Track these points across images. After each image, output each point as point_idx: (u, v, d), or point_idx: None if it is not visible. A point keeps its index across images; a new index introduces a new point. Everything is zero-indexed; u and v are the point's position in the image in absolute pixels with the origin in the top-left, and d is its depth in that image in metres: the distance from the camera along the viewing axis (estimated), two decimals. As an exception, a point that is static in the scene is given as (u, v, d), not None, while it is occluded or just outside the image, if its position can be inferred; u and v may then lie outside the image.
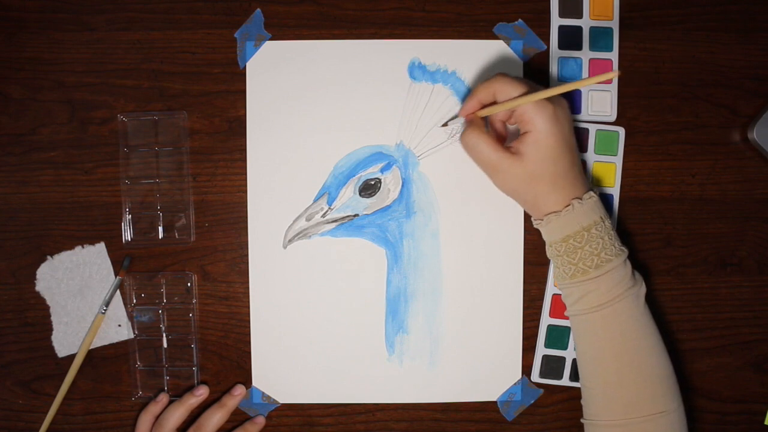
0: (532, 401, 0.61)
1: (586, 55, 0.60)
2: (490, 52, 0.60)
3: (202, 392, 0.59)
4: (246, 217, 0.60)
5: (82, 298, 0.60)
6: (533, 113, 0.50)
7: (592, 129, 0.59)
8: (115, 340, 0.60)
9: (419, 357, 0.60)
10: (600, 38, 0.60)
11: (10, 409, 0.60)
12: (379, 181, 0.60)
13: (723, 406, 0.61)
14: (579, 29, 0.60)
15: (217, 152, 0.60)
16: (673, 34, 0.60)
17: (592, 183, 0.58)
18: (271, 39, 0.60)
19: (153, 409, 0.59)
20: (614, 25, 0.60)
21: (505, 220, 0.60)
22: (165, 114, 0.60)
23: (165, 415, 0.58)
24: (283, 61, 0.60)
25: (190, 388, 0.60)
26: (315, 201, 0.60)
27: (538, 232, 0.60)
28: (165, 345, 0.60)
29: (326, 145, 0.60)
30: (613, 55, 0.60)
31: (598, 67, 0.60)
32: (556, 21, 0.60)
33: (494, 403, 0.60)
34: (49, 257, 0.60)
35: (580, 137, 0.59)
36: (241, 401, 0.60)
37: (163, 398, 0.59)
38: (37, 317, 0.60)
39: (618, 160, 0.60)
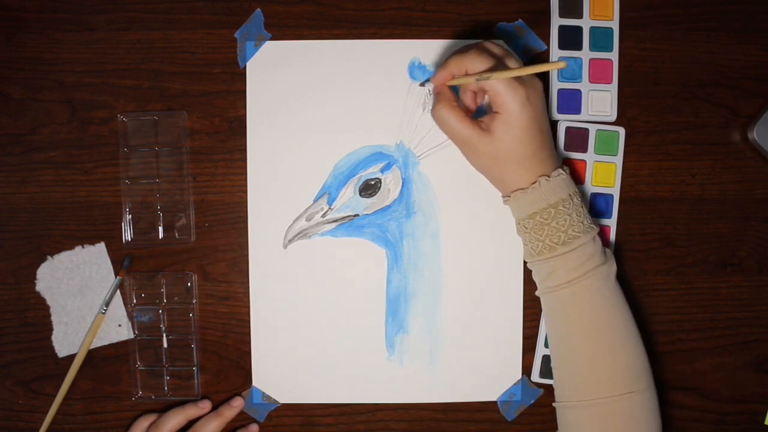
0: (532, 401, 0.61)
1: (586, 55, 0.60)
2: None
3: (205, 406, 0.59)
4: (246, 217, 0.60)
5: (82, 298, 0.60)
6: (505, 95, 0.50)
7: (592, 129, 0.59)
8: (115, 340, 0.60)
9: (419, 357, 0.60)
10: (600, 38, 0.60)
11: (10, 409, 0.60)
12: (379, 181, 0.60)
13: (723, 406, 0.61)
14: (579, 29, 0.60)
15: (217, 152, 0.60)
16: (673, 34, 0.60)
17: (561, 161, 0.56)
18: (271, 39, 0.60)
19: (152, 415, 0.59)
20: (614, 25, 0.60)
21: (505, 220, 0.60)
22: (165, 114, 0.60)
23: (163, 419, 0.58)
24: (283, 61, 0.60)
25: (190, 389, 0.60)
26: (315, 201, 0.60)
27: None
28: (165, 345, 0.60)
29: (326, 145, 0.60)
30: (613, 55, 0.60)
31: (598, 67, 0.60)
32: (556, 21, 0.60)
33: (494, 403, 0.60)
34: (49, 257, 0.60)
35: (580, 137, 0.59)
36: (237, 413, 0.59)
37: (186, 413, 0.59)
38: (37, 317, 0.60)
39: (618, 160, 0.60)
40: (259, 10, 0.60)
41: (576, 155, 0.60)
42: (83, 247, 0.60)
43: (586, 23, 0.60)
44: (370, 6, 0.60)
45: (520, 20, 0.60)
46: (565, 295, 0.52)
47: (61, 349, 0.60)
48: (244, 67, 0.60)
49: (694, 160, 0.61)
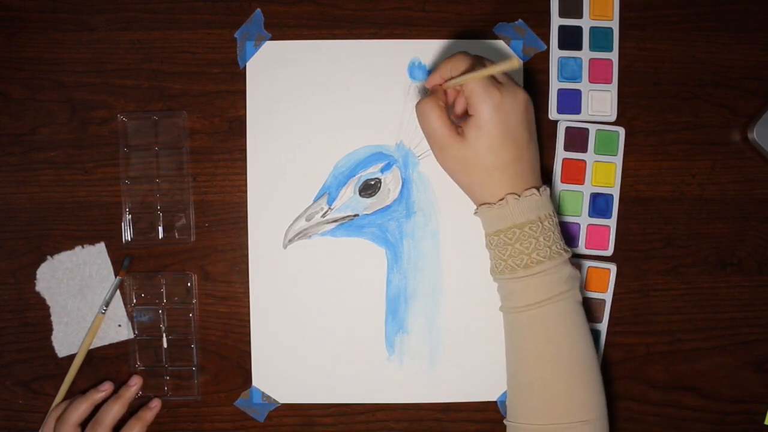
0: (532, 401, 0.61)
1: (586, 55, 0.60)
2: (490, 52, 0.60)
3: (106, 387, 0.59)
4: (246, 217, 0.60)
5: (82, 298, 0.60)
6: (478, 98, 0.49)
7: (592, 129, 0.59)
8: (115, 340, 0.60)
9: (419, 357, 0.60)
10: (600, 38, 0.60)
11: (10, 409, 0.60)
12: (379, 181, 0.60)
13: (723, 406, 0.61)
14: (579, 29, 0.60)
15: (217, 152, 0.60)
16: (673, 34, 0.60)
17: (541, 181, 0.53)
18: (271, 39, 0.60)
19: (60, 408, 0.58)
20: (614, 25, 0.60)
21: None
22: (165, 114, 0.60)
23: (67, 411, 0.57)
24: (283, 61, 0.60)
25: (190, 389, 0.60)
26: (315, 201, 0.60)
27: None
28: (165, 345, 0.60)
29: (326, 145, 0.60)
30: (613, 55, 0.60)
31: (598, 67, 0.60)
32: (556, 21, 0.60)
33: (494, 403, 0.60)
34: (49, 257, 0.60)
35: (580, 137, 0.59)
36: (137, 391, 0.59)
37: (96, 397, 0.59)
38: (37, 317, 0.60)
39: (618, 160, 0.60)
40: (259, 10, 0.60)
41: (576, 155, 0.60)
42: (83, 247, 0.60)
43: (586, 23, 0.60)
44: (370, 6, 0.60)
45: (520, 20, 0.60)
46: (521, 319, 0.50)
47: (61, 349, 0.60)
48: (244, 67, 0.60)
49: (694, 160, 0.61)
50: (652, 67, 0.60)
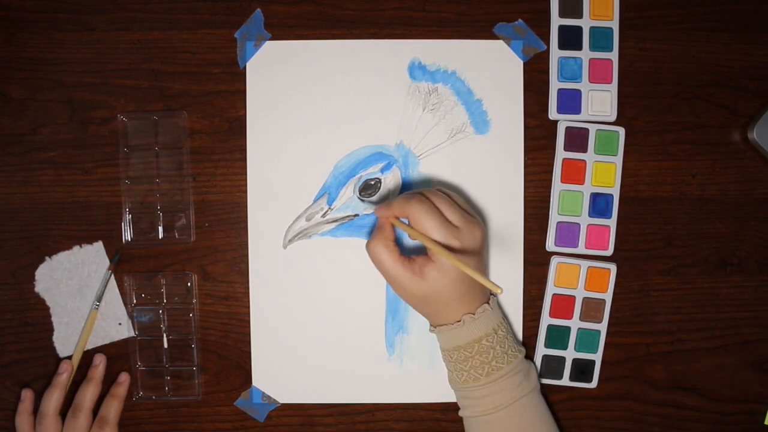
0: (532, 401, 0.61)
1: (586, 55, 0.60)
2: (490, 52, 0.60)
3: (65, 368, 0.58)
4: (246, 217, 0.60)
5: (82, 298, 0.60)
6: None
7: (592, 129, 0.59)
8: (116, 339, 0.60)
9: (419, 357, 0.60)
10: (600, 38, 0.60)
11: (10, 409, 0.60)
12: (379, 181, 0.60)
13: (723, 406, 0.61)
14: (579, 29, 0.60)
15: (217, 152, 0.60)
16: (673, 34, 0.60)
17: (488, 295, 0.55)
18: (271, 39, 0.60)
19: (24, 407, 0.58)
20: (614, 25, 0.60)
21: (504, 220, 0.60)
22: (165, 114, 0.60)
23: (43, 403, 0.57)
24: (283, 61, 0.60)
25: (190, 389, 0.60)
26: (315, 201, 0.60)
27: (538, 232, 0.60)
28: (165, 345, 0.60)
29: (326, 145, 0.60)
30: (613, 55, 0.60)
31: (598, 67, 0.60)
32: (556, 21, 0.60)
33: (494, 403, 0.60)
34: (47, 258, 0.60)
35: (580, 137, 0.59)
36: (103, 369, 0.59)
37: (28, 394, 0.59)
38: (37, 317, 0.60)
39: (618, 160, 0.60)
40: (259, 10, 0.60)
41: (576, 155, 0.60)
42: (81, 246, 0.60)
43: (586, 23, 0.60)
44: (370, 6, 0.60)
45: (520, 20, 0.60)
46: (493, 420, 0.53)
47: (63, 349, 0.60)
48: (244, 67, 0.60)
49: (694, 160, 0.61)
50: (652, 67, 0.60)
